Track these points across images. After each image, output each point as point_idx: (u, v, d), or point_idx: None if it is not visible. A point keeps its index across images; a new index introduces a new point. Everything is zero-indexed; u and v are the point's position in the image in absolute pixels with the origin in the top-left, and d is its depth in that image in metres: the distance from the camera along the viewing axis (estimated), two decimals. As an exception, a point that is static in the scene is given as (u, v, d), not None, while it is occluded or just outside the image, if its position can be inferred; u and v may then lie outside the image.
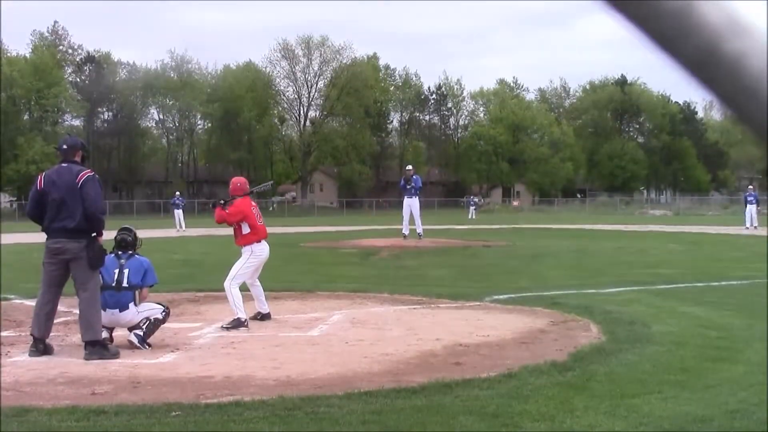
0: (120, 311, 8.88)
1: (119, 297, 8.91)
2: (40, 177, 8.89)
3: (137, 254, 9.33)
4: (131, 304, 8.94)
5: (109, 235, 8.94)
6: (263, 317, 10.83)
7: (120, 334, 9.25)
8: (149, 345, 8.94)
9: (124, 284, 8.99)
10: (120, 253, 9.21)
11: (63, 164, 8.74)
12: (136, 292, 9.02)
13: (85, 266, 8.48)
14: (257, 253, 10.79)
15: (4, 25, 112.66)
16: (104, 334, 8.78)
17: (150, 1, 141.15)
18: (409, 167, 27.59)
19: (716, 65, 0.77)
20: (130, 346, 8.83)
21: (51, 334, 8.78)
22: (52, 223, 8.55)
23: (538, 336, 9.45)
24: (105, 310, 8.79)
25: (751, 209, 37.85)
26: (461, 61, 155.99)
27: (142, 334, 8.90)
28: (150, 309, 9.08)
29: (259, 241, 10.83)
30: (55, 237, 8.54)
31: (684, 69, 0.79)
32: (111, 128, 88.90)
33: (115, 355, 8.35)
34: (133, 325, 8.97)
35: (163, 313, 9.14)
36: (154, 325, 9.02)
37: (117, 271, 9.03)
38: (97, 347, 8.35)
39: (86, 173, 8.63)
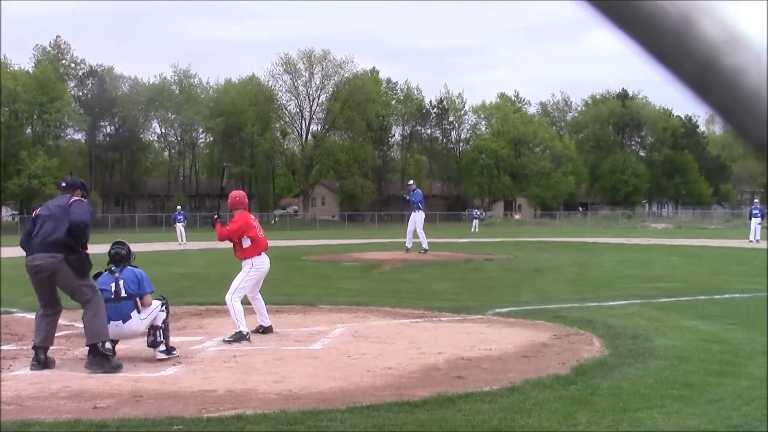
0: (123, 322, 8.89)
1: (120, 307, 8.92)
2: (36, 210, 9.09)
3: (130, 266, 9.35)
4: (133, 313, 8.96)
5: (101, 249, 8.95)
6: (265, 330, 10.82)
7: (121, 348, 9.24)
8: (175, 349, 9.09)
9: (123, 294, 9.01)
10: (114, 268, 9.23)
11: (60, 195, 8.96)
12: (137, 300, 9.04)
13: (67, 277, 8.48)
14: (258, 267, 10.79)
15: (7, 40, 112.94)
16: (107, 345, 8.79)
17: (152, 16, 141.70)
18: (411, 182, 27.67)
19: (715, 79, 0.78)
20: (160, 361, 8.84)
21: (52, 347, 8.78)
22: (33, 238, 8.64)
23: (540, 349, 9.44)
24: (109, 323, 8.80)
25: (755, 223, 37.88)
26: (462, 75, 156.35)
27: (164, 348, 8.98)
28: (151, 312, 9.08)
29: (260, 254, 10.83)
30: (31, 253, 8.60)
31: (683, 83, 0.80)
32: (113, 142, 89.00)
33: (117, 368, 8.34)
34: (138, 334, 8.98)
35: (164, 307, 9.17)
36: (166, 329, 9.08)
37: (113, 284, 9.06)
38: (98, 358, 8.34)
39: (75, 198, 8.78)
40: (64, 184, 9.06)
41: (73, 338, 9.80)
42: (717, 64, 0.77)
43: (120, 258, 9.29)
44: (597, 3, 0.79)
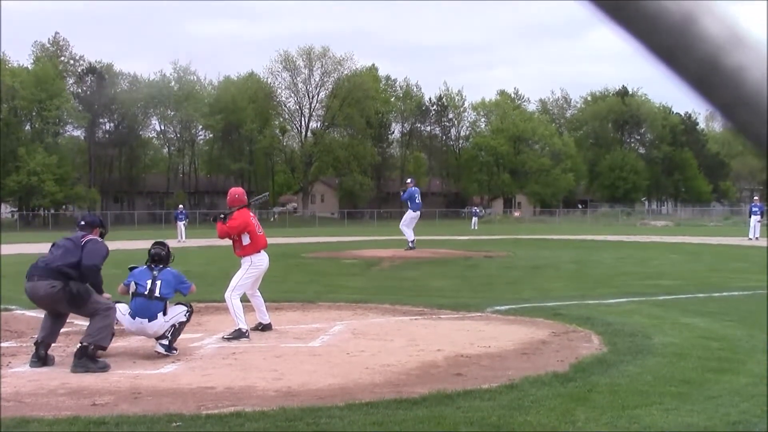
0: (149, 321, 8.97)
1: (149, 305, 9.01)
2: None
3: (168, 268, 9.44)
4: (160, 314, 9.02)
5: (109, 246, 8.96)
6: (264, 328, 10.82)
7: (120, 345, 9.24)
8: (176, 349, 9.07)
9: (156, 294, 9.09)
10: (153, 266, 9.33)
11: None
12: (167, 303, 9.14)
13: (66, 305, 8.51)
14: (257, 264, 10.79)
15: (6, 37, 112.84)
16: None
17: (152, 13, 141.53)
18: (409, 180, 27.69)
19: (717, 78, 0.77)
20: (158, 355, 8.85)
21: (52, 344, 8.79)
22: (38, 262, 8.64)
23: (539, 347, 9.44)
24: (134, 319, 8.95)
25: (755, 220, 37.92)
26: (462, 72, 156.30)
27: (167, 343, 9.00)
28: (175, 315, 9.17)
29: (259, 252, 10.84)
30: (30, 279, 8.55)
31: (685, 82, 0.80)
32: (112, 139, 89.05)
33: (103, 369, 8.28)
34: (157, 335, 9.02)
35: (187, 314, 9.28)
36: (178, 330, 9.16)
37: (150, 281, 9.16)
38: (84, 359, 8.32)
39: (92, 236, 8.80)
40: (83, 223, 9.11)
41: (72, 335, 9.79)
42: (719, 62, 0.77)
43: (160, 258, 9.47)
44: (600, 3, 0.79)
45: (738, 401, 6.67)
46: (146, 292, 9.07)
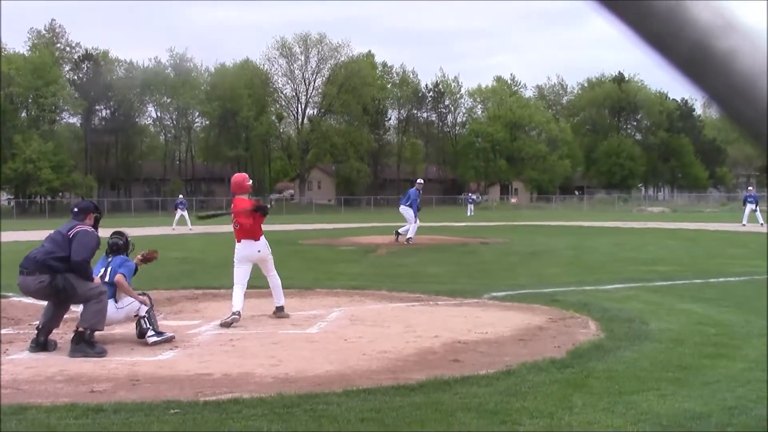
0: None
1: None
2: None
3: (125, 256, 9.42)
4: (110, 300, 8.95)
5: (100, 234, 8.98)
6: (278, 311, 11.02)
7: (118, 332, 9.24)
8: (168, 332, 9.08)
9: (107, 279, 9.10)
10: (111, 258, 9.32)
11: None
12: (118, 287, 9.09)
13: (58, 299, 8.56)
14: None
15: (2, 23, 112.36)
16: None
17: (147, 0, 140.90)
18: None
19: (707, 63, 0.77)
20: (156, 345, 8.83)
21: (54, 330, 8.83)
22: (28, 256, 8.65)
23: (536, 333, 9.46)
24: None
25: (749, 209, 38.18)
26: (458, 58, 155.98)
27: (153, 333, 8.97)
28: (130, 304, 9.11)
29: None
30: (21, 273, 8.59)
31: (675, 67, 0.79)
32: (109, 126, 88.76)
33: (100, 354, 8.33)
34: (110, 321, 8.95)
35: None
36: (151, 317, 9.08)
37: (103, 269, 9.20)
38: (81, 345, 8.36)
39: (80, 227, 8.72)
40: (76, 210, 9.08)
41: (69, 322, 9.79)
42: (709, 48, 0.77)
43: (117, 248, 9.45)
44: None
45: (734, 386, 6.69)
46: (98, 277, 9.09)
